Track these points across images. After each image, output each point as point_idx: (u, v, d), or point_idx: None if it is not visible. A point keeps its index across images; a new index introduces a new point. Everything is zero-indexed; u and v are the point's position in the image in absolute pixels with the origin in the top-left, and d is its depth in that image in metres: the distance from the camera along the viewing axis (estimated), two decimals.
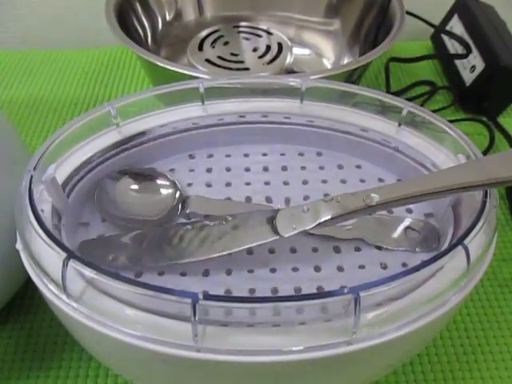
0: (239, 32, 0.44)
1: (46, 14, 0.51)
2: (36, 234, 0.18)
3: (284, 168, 0.26)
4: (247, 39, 0.43)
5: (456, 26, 0.45)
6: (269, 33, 0.44)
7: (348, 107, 0.26)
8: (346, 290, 0.16)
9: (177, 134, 0.26)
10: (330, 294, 0.16)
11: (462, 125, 0.41)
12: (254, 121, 0.26)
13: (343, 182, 0.26)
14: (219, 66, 0.40)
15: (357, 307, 0.16)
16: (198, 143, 0.26)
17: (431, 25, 0.42)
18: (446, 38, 0.46)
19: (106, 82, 0.45)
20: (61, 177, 0.22)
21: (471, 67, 0.41)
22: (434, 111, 0.41)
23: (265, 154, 0.27)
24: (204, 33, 0.43)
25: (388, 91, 0.43)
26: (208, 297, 0.16)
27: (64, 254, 0.17)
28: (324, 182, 0.25)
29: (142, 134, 0.25)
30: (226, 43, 0.42)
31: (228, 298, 0.17)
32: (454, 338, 0.28)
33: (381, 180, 0.26)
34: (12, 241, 0.20)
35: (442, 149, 0.24)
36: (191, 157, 0.27)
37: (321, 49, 0.46)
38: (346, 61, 0.45)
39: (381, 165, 0.26)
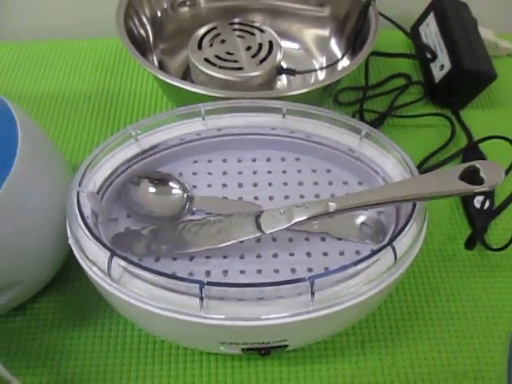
0: (234, 30, 0.48)
1: (56, 3, 0.55)
2: (85, 236, 0.25)
3: (269, 171, 0.33)
4: (241, 37, 0.48)
5: (431, 23, 0.49)
6: (261, 30, 0.48)
7: (321, 122, 0.32)
8: (306, 277, 0.24)
9: (183, 144, 0.32)
10: (295, 281, 0.24)
11: (431, 118, 0.47)
12: (245, 132, 0.33)
13: (315, 183, 0.32)
14: (216, 65, 0.45)
15: (313, 289, 0.23)
16: (200, 151, 0.33)
17: (403, 30, 0.47)
18: (422, 31, 0.51)
19: (116, 72, 0.50)
20: (96, 185, 0.29)
21: (441, 65, 0.46)
22: (408, 104, 0.48)
23: (254, 160, 0.33)
24: (202, 30, 0.48)
25: (366, 84, 0.48)
26: (211, 283, 0.23)
27: (108, 253, 0.24)
28: (300, 184, 0.32)
29: (156, 145, 0.31)
30: (222, 41, 0.47)
31: (225, 284, 0.24)
32: (401, 301, 0.35)
33: (345, 183, 0.32)
34: (56, 230, 0.27)
35: (391, 159, 0.30)
36: (195, 162, 0.33)
37: (308, 43, 0.51)
38: (332, 49, 0.49)
39: (346, 169, 0.33)
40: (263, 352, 0.28)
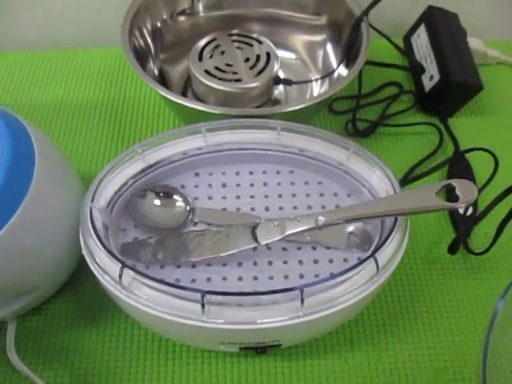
0: (233, 41, 0.50)
1: (59, 13, 0.56)
2: (98, 248, 0.28)
3: (265, 184, 0.35)
4: (240, 48, 0.50)
5: (422, 34, 0.51)
6: (259, 42, 0.50)
7: (313, 138, 0.35)
8: (296, 286, 0.26)
9: (185, 158, 0.35)
10: (287, 290, 0.26)
11: (420, 126, 0.49)
12: (243, 147, 0.35)
13: (308, 195, 0.35)
14: (215, 77, 0.47)
15: (302, 296, 0.26)
16: (201, 165, 0.35)
17: (394, 44, 0.49)
18: (413, 42, 0.53)
19: (121, 81, 0.52)
20: (106, 199, 0.31)
21: (430, 76, 0.49)
22: (399, 112, 0.50)
23: (251, 173, 0.36)
24: (202, 42, 0.50)
25: (359, 94, 0.51)
26: (211, 292, 0.26)
27: (119, 264, 0.27)
28: (294, 195, 0.35)
29: (160, 161, 0.34)
30: (222, 53, 0.49)
31: (224, 292, 0.27)
32: (388, 302, 0.38)
33: (335, 194, 0.35)
34: (69, 239, 0.30)
35: (376, 173, 0.33)
36: (196, 175, 0.36)
37: (304, 53, 0.53)
38: (328, 58, 0.52)
39: (336, 182, 0.35)
40: (259, 350, 0.31)
